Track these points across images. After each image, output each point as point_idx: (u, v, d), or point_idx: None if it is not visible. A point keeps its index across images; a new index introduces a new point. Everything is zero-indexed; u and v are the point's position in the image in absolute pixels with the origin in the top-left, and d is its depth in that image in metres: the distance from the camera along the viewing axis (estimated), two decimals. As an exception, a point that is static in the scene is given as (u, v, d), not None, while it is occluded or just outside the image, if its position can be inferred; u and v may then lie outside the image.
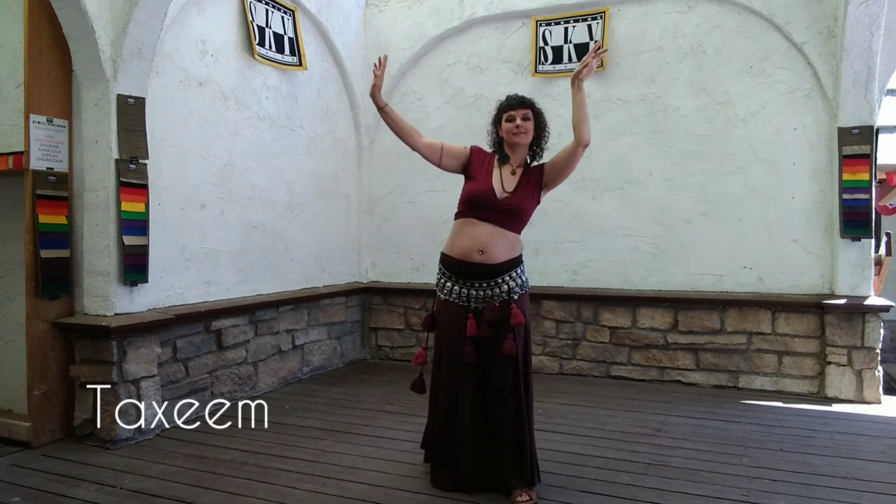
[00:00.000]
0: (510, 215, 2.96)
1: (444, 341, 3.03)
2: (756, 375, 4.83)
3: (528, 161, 3.11)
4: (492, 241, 2.94)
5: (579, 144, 2.94)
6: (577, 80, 2.90)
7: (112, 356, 3.57)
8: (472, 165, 3.06)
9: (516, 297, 2.98)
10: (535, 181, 3.03)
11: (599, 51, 2.95)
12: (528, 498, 2.88)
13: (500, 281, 2.97)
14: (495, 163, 3.06)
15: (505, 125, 3.02)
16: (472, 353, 2.93)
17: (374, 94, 3.04)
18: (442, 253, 3.09)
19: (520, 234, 3.04)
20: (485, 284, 2.96)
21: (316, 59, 5.48)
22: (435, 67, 5.83)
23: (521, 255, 3.07)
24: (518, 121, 2.98)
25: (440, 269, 3.10)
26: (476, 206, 2.97)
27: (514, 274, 3.00)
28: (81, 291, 3.73)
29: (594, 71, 3.01)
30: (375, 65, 3.05)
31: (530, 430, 2.99)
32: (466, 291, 2.98)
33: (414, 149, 3.06)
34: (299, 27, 5.18)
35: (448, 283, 3.03)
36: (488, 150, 3.16)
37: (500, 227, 2.95)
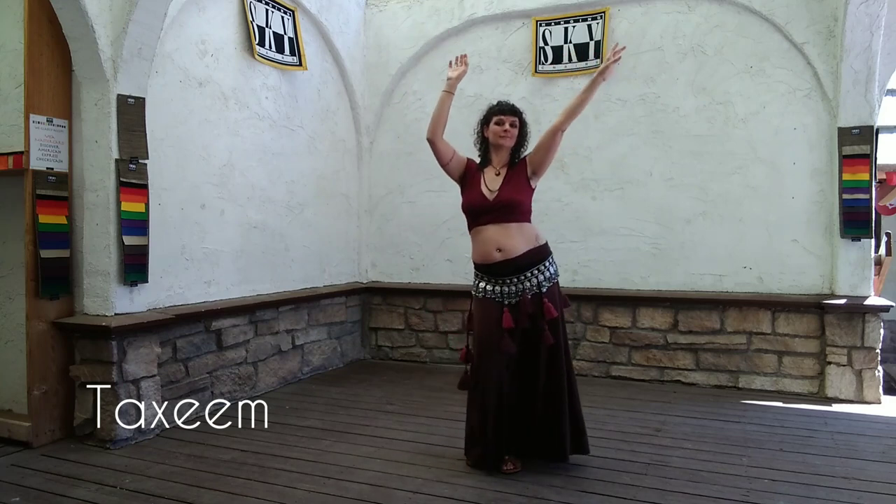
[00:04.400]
0: (505, 210, 3.18)
1: (483, 336, 3.20)
2: (756, 375, 4.83)
3: (511, 162, 3.33)
4: (503, 237, 3.16)
5: (559, 129, 3.18)
6: (600, 78, 3.13)
7: (112, 356, 3.57)
8: (466, 177, 3.34)
9: (544, 289, 3.17)
10: (521, 173, 3.27)
11: (618, 51, 3.15)
12: (512, 466, 3.19)
13: (528, 275, 3.16)
14: (479, 170, 3.31)
15: (493, 127, 3.27)
16: (509, 343, 3.12)
17: (459, 81, 3.32)
18: (472, 260, 3.31)
19: (528, 221, 3.25)
20: (515, 280, 3.16)
21: (316, 59, 5.48)
22: (435, 67, 5.82)
23: (545, 245, 3.26)
24: (507, 126, 3.26)
25: (474, 273, 3.30)
26: (474, 213, 3.27)
27: (543, 266, 3.21)
28: (81, 291, 3.73)
29: (613, 74, 3.22)
30: (458, 59, 3.37)
31: (579, 407, 3.29)
32: (499, 289, 3.18)
33: (434, 141, 3.24)
34: (299, 27, 5.17)
35: (481, 283, 3.26)
36: (476, 149, 3.40)
37: (503, 223, 3.18)
